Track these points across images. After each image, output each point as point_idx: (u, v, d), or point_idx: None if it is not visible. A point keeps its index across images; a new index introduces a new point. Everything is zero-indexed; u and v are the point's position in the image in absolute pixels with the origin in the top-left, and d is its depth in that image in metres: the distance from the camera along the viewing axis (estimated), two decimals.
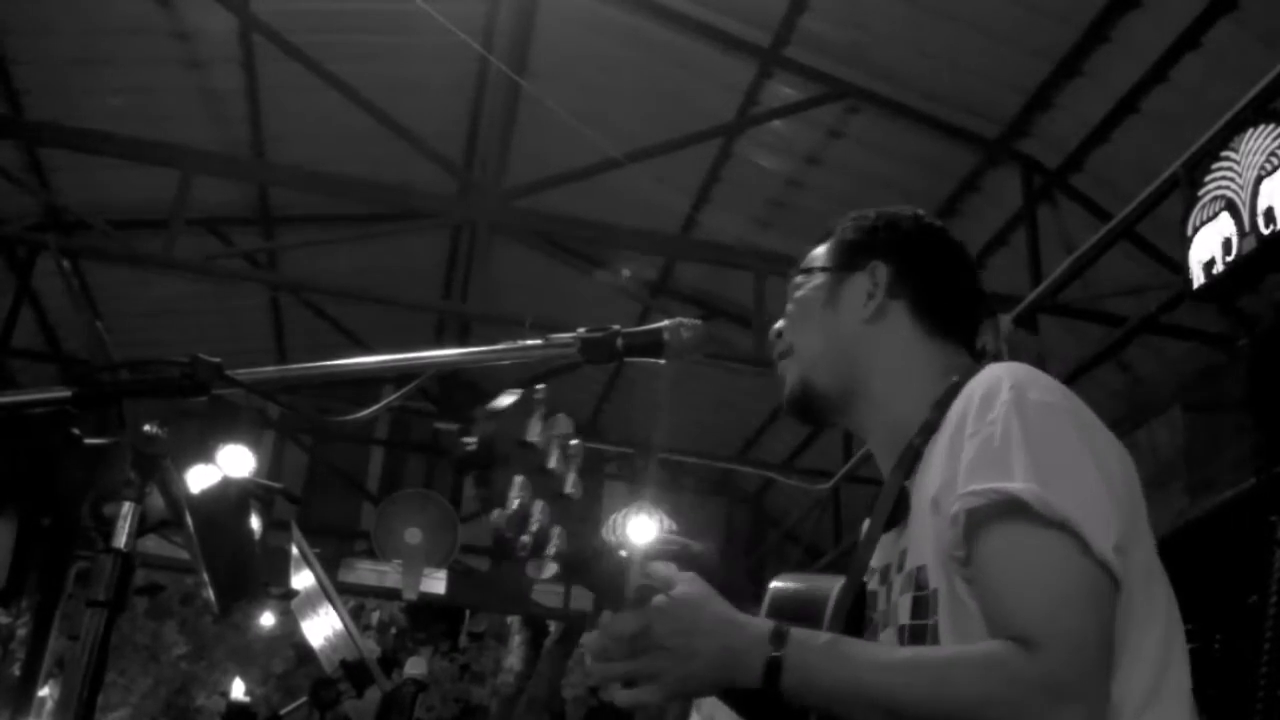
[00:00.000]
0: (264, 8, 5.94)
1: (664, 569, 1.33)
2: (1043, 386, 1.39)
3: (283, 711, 4.02)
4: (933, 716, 1.24)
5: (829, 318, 1.61)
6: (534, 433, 1.19)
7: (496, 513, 1.16)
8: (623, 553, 1.32)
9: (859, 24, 5.72)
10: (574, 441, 1.24)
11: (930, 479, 1.40)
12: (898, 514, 1.48)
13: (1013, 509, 1.27)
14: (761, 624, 1.32)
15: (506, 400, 1.18)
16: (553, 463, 1.21)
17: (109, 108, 6.31)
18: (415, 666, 4.07)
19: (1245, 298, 4.77)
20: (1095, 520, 1.27)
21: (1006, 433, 1.32)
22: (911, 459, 1.47)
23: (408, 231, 7.29)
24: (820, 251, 1.68)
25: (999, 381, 1.38)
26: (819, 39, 5.87)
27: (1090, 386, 6.39)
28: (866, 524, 1.58)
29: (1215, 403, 5.79)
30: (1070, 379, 5.64)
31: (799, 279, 1.67)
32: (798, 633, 1.30)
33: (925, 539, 1.40)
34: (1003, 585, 1.28)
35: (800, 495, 8.66)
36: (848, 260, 1.63)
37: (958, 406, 1.40)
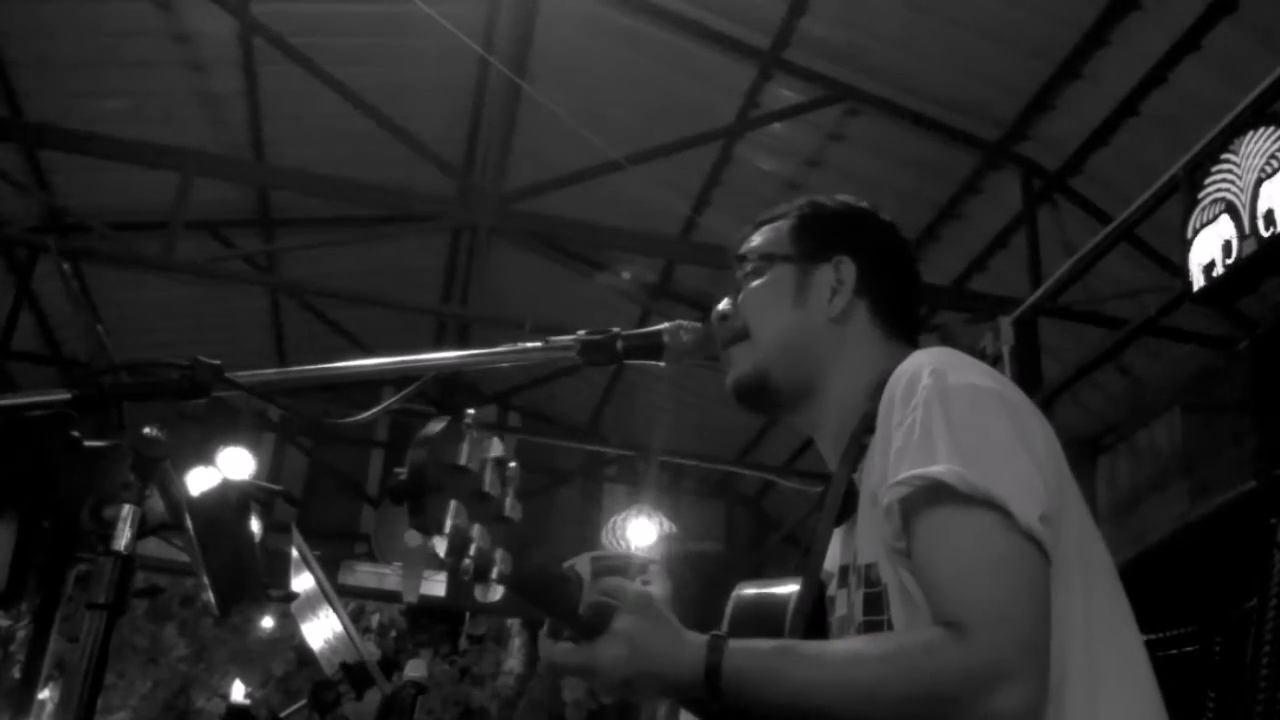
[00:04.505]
0: (264, 10, 5.94)
1: (614, 585, 1.32)
2: (963, 368, 1.38)
3: (283, 714, 4.00)
4: (875, 714, 1.23)
5: (795, 312, 1.58)
6: (465, 457, 1.18)
7: (435, 539, 1.15)
8: (572, 570, 1.31)
9: (859, 26, 5.72)
10: (512, 464, 1.24)
11: (872, 471, 1.39)
12: (847, 509, 1.47)
13: (938, 492, 1.26)
14: (698, 637, 1.31)
15: (435, 427, 1.18)
16: (487, 486, 1.20)
17: (109, 110, 6.31)
18: (415, 669, 4.05)
19: (1245, 300, 4.78)
20: (1019, 493, 1.25)
21: (928, 418, 1.30)
22: (856, 452, 1.46)
23: (408, 234, 7.29)
24: (775, 236, 1.65)
25: (920, 368, 1.37)
26: (819, 41, 5.87)
27: (1090, 389, 6.40)
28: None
29: (1215, 405, 5.80)
30: (1070, 381, 5.64)
31: (755, 264, 1.63)
32: (736, 642, 1.29)
33: (872, 534, 1.39)
34: (934, 570, 1.26)
35: (800, 497, 8.65)
36: (811, 251, 1.60)
37: (885, 395, 1.39)
